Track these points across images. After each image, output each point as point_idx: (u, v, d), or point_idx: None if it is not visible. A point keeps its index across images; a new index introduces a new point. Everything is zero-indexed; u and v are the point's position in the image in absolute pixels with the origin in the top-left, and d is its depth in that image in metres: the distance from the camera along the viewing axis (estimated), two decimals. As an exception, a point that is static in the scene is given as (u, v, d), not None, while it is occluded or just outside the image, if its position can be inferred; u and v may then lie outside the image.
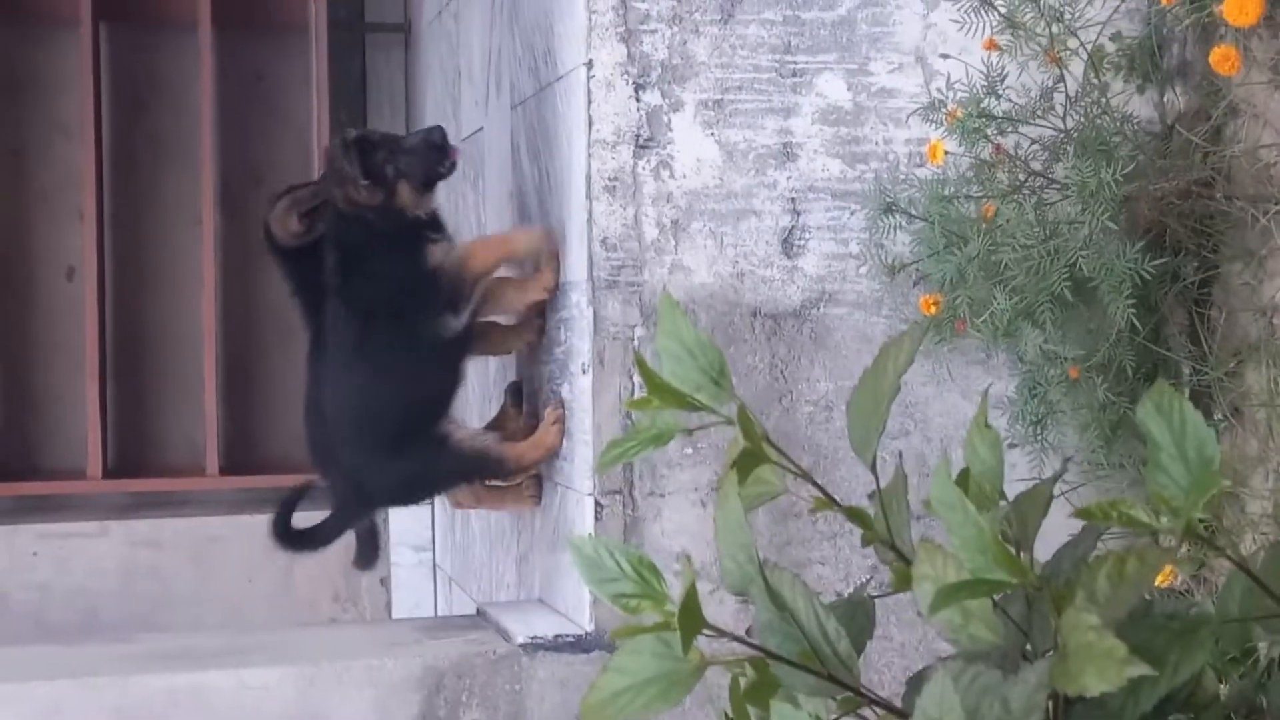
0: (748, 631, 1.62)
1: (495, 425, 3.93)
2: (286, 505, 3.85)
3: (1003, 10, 3.20)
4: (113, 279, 5.87)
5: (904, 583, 1.52)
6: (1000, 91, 3.24)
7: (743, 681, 1.62)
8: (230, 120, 5.76)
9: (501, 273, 3.70)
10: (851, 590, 3.37)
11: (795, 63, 3.47)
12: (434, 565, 5.57)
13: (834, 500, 1.62)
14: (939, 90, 3.30)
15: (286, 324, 5.50)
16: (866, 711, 1.58)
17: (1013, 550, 1.37)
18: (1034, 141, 3.30)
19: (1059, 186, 3.14)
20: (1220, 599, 1.55)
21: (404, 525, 5.55)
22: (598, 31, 3.40)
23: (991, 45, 3.23)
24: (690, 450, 3.41)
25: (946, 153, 3.22)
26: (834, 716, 1.56)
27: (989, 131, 3.19)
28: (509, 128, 4.14)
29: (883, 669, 3.37)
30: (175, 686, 3.26)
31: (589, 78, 3.40)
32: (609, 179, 3.39)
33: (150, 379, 6.03)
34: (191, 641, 3.87)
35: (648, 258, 3.41)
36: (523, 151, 3.98)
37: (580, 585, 3.27)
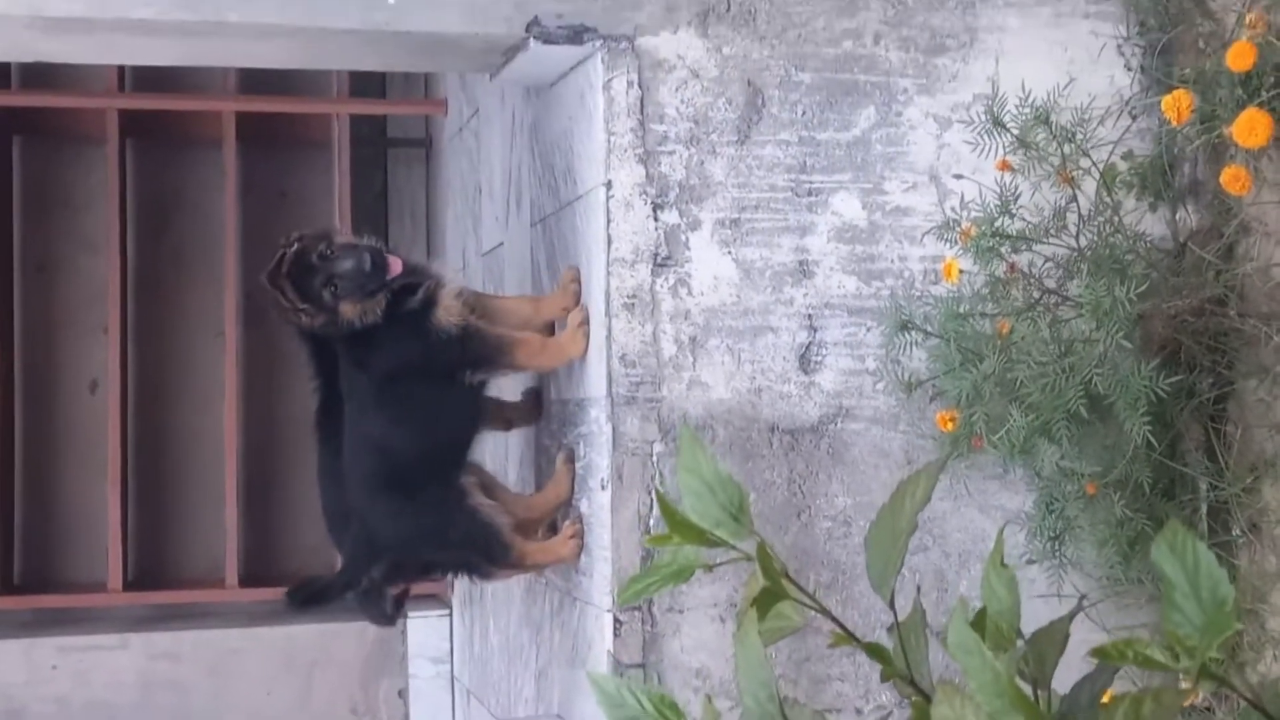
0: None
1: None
2: (311, 581, 3.86)
3: (1015, 131, 3.25)
4: (135, 392, 5.92)
5: (923, 719, 1.52)
6: (1014, 210, 3.27)
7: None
8: (253, 235, 5.83)
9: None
10: (872, 708, 3.37)
11: (811, 182, 3.52)
12: (452, 678, 5.55)
13: (854, 636, 1.63)
14: (953, 209, 3.34)
15: (307, 436, 5.54)
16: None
17: (1030, 689, 1.38)
18: (1048, 259, 3.34)
19: (1073, 304, 3.17)
20: (1239, 734, 1.56)
21: (422, 637, 5.54)
22: (616, 152, 3.45)
23: (1005, 166, 3.28)
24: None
25: (961, 270, 3.26)
26: None
27: (1003, 250, 3.23)
28: (529, 244, 4.19)
29: (904, 794, 3.35)
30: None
31: (608, 197, 3.45)
32: (628, 296, 3.43)
33: (171, 491, 6.06)
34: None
35: (666, 374, 3.44)
36: (542, 268, 4.03)
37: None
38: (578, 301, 3.63)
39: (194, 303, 6.10)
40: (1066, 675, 1.72)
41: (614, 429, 3.42)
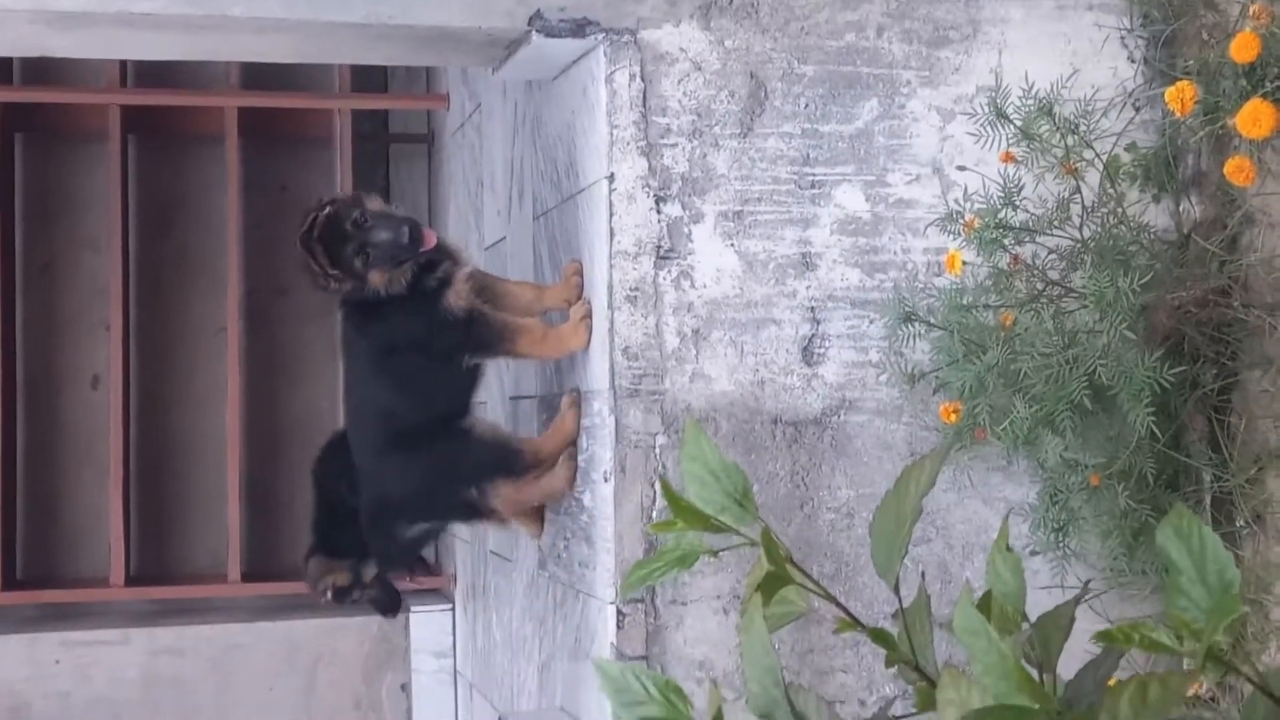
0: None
1: None
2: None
3: (1018, 123, 3.25)
4: (137, 388, 5.93)
5: (928, 704, 1.52)
6: (1017, 202, 3.27)
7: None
8: (254, 232, 5.83)
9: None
10: (875, 699, 3.36)
11: (814, 174, 3.52)
12: (455, 672, 5.55)
13: (858, 621, 1.63)
14: (956, 201, 3.34)
15: (308, 432, 5.55)
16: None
17: (1035, 673, 1.38)
18: (1051, 251, 3.33)
19: (1077, 295, 3.17)
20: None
21: (425, 632, 5.54)
22: (619, 145, 3.45)
23: (1008, 158, 3.28)
24: (712, 559, 3.41)
25: (964, 262, 3.25)
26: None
27: (1006, 241, 3.23)
28: (531, 238, 4.19)
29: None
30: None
31: (610, 190, 3.45)
32: (630, 289, 3.43)
33: (173, 487, 6.07)
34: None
35: (669, 366, 3.44)
36: (545, 261, 4.03)
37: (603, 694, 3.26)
38: (580, 294, 3.63)
39: (196, 300, 6.11)
40: (1070, 665, 1.72)
41: (617, 421, 3.42)
